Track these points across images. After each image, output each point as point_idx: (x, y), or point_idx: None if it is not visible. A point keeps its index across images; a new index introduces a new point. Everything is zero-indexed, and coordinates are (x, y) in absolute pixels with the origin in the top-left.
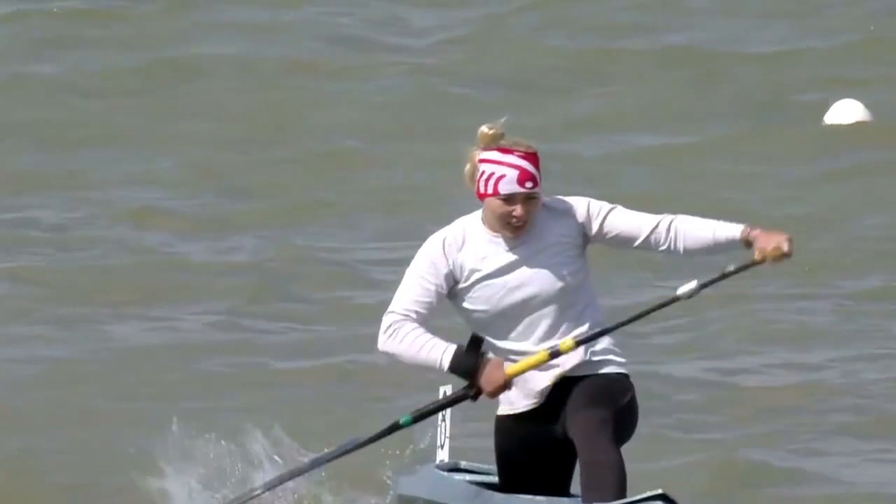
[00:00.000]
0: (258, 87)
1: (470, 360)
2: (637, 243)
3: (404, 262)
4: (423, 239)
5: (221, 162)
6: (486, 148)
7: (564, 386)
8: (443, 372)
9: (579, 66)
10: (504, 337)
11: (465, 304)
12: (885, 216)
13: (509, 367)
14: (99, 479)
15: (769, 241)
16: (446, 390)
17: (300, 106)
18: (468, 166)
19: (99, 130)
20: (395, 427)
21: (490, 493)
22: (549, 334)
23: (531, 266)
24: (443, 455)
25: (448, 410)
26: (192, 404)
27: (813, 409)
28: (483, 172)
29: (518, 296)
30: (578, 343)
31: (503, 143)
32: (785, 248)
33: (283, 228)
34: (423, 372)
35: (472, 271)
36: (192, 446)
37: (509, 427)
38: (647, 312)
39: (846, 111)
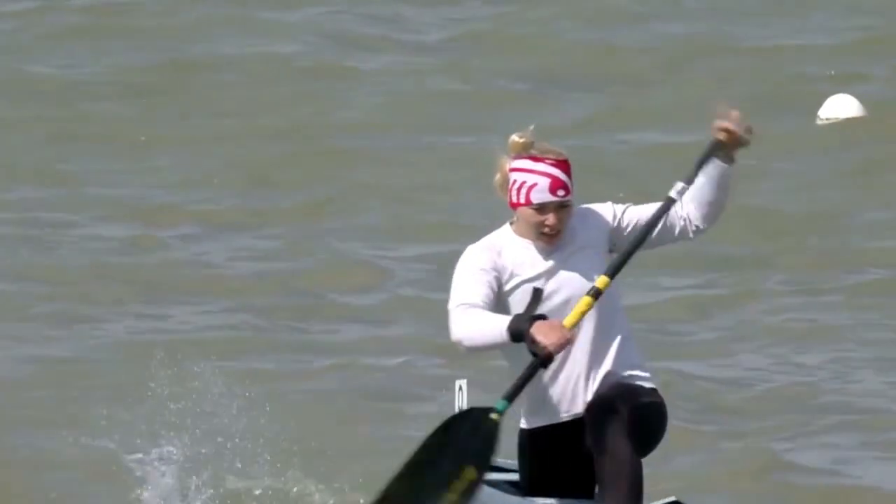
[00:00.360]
0: (275, 84)
1: (524, 323)
2: (655, 233)
3: (426, 259)
4: (442, 235)
5: (242, 159)
6: (517, 157)
7: (602, 402)
8: (507, 343)
9: (587, 62)
10: None
11: (505, 309)
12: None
13: (565, 320)
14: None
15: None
16: (462, 384)
17: (317, 103)
18: (498, 176)
19: (109, 129)
20: (491, 410)
21: (508, 496)
22: (585, 336)
23: (566, 271)
24: None
25: (465, 403)
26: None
27: (842, 407)
28: (515, 181)
29: (555, 301)
30: (610, 275)
31: (534, 151)
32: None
33: (301, 226)
34: (492, 354)
35: (512, 275)
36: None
37: (541, 439)
38: (653, 223)
39: (840, 106)
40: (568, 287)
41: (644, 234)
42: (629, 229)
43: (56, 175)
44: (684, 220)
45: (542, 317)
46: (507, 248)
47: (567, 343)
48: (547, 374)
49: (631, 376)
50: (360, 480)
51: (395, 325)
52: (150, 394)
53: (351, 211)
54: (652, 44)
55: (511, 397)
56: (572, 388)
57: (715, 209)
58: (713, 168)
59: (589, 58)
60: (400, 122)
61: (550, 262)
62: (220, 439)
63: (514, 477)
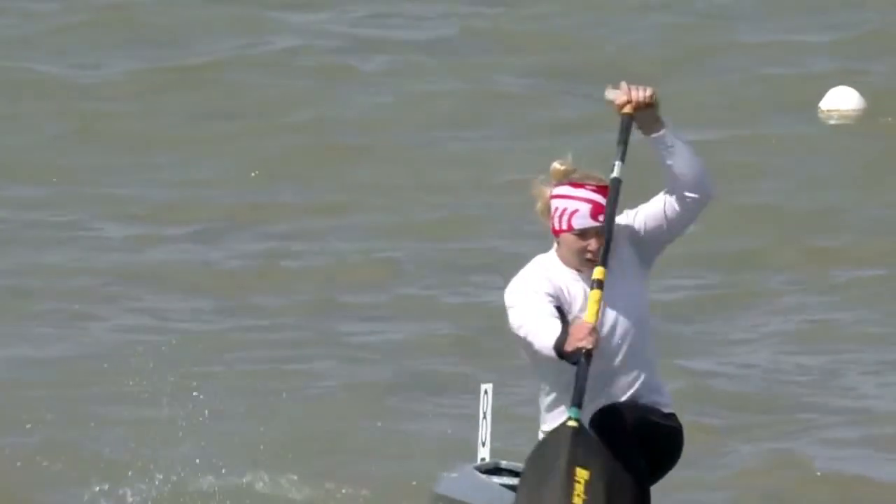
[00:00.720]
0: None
1: (560, 340)
2: (662, 222)
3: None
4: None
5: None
6: (558, 184)
7: (613, 411)
8: (553, 358)
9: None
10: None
11: None
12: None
13: (585, 316)
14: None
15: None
16: (487, 388)
17: (323, 101)
18: (540, 203)
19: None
20: (567, 421)
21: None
22: (629, 353)
23: (612, 299)
24: (484, 452)
25: (489, 408)
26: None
27: (848, 405)
28: (556, 209)
29: (604, 329)
30: (603, 263)
31: (574, 177)
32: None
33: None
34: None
35: (560, 295)
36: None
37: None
38: (612, 212)
39: (841, 98)
40: (616, 312)
41: (609, 224)
42: (645, 229)
43: (61, 172)
44: (672, 197)
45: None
46: (555, 278)
47: (595, 333)
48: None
49: (654, 401)
50: (371, 478)
51: (404, 322)
52: (152, 392)
53: (357, 209)
54: (654, 39)
55: (578, 402)
56: (594, 403)
57: (689, 173)
58: (651, 143)
59: (595, 53)
60: (405, 120)
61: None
62: (225, 438)
63: None
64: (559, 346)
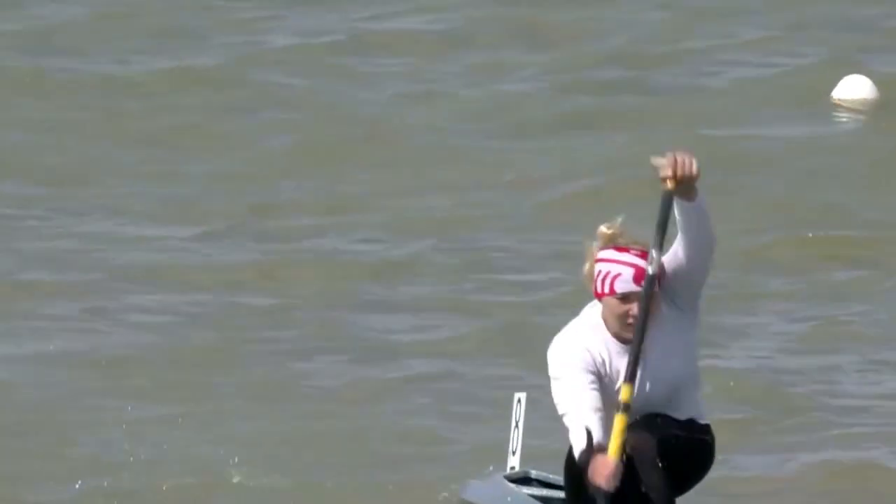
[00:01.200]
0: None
1: (585, 458)
2: (684, 271)
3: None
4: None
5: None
6: (604, 247)
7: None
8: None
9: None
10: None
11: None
12: None
13: (610, 450)
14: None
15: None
16: (521, 397)
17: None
18: (587, 265)
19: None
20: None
21: None
22: (668, 406)
23: (651, 368)
24: (514, 461)
25: (522, 416)
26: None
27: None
28: (600, 272)
29: (640, 395)
30: (629, 379)
31: (620, 241)
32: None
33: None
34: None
35: (604, 378)
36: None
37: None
38: (646, 308)
39: (854, 87)
40: (653, 380)
41: (641, 331)
42: (672, 282)
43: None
44: (687, 249)
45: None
46: (599, 348)
47: (616, 475)
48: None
49: (690, 417)
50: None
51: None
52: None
53: (359, 209)
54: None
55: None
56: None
57: (705, 233)
58: (680, 212)
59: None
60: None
61: (641, 360)
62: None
63: (560, 494)
64: (583, 463)
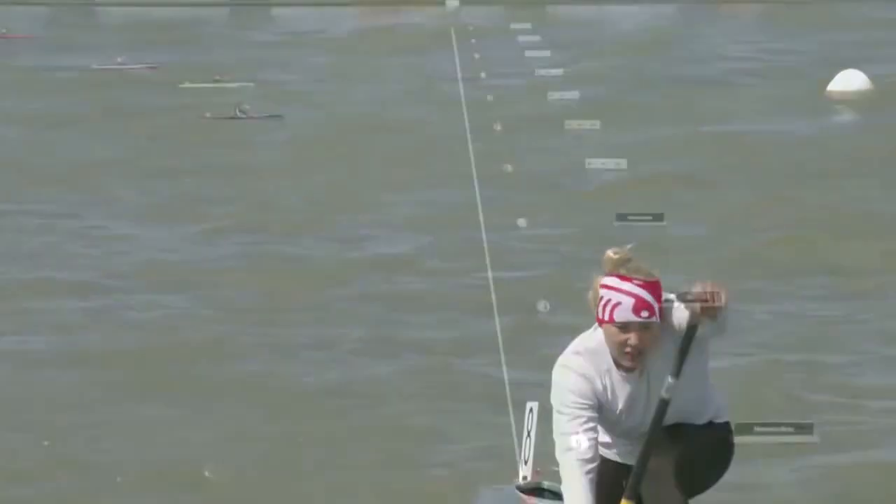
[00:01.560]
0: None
1: None
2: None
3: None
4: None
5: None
6: (609, 273)
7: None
8: None
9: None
10: (627, 436)
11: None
12: None
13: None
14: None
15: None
16: (532, 407)
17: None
18: (591, 291)
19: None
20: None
21: None
22: (681, 420)
23: (652, 400)
24: (525, 471)
25: (534, 427)
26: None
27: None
28: (602, 298)
29: (636, 421)
30: (630, 497)
31: (623, 270)
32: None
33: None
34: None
35: (605, 404)
36: None
37: (603, 471)
38: (654, 428)
39: (849, 80)
40: (647, 410)
41: (649, 446)
42: (681, 327)
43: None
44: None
45: None
46: (601, 376)
47: None
48: (625, 425)
49: (709, 421)
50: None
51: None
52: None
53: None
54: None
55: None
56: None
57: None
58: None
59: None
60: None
61: (642, 389)
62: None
63: None
64: None
